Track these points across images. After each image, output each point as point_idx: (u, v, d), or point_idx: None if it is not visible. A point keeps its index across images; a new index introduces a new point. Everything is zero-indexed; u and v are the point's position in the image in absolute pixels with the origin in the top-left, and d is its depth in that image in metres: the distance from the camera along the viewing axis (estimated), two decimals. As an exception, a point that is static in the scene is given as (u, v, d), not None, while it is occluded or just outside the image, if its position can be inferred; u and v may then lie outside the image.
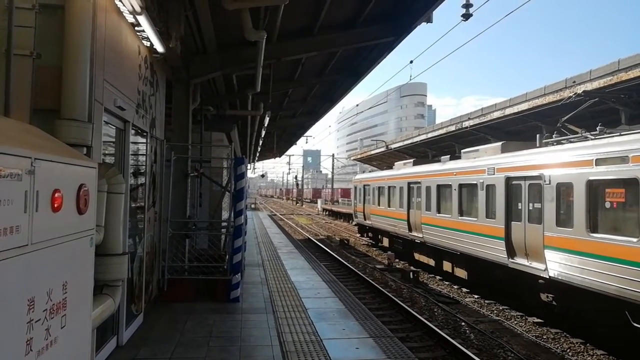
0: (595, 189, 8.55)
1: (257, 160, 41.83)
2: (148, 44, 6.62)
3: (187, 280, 8.43)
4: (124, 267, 4.37)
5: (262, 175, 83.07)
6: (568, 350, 8.71)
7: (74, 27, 3.97)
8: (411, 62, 15.79)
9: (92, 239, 3.41)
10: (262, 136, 20.52)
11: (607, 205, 8.31)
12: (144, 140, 6.92)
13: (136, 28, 6.02)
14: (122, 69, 5.45)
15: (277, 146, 30.59)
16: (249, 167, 28.98)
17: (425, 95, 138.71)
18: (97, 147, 4.40)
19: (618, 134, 8.82)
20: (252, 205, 59.06)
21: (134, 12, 5.10)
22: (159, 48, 6.50)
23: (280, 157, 45.01)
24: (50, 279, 2.66)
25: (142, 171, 6.87)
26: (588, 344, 8.92)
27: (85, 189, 3.14)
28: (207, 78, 10.08)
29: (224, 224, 10.10)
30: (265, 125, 15.90)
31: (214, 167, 10.94)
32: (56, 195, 2.68)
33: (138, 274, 6.49)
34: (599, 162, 8.43)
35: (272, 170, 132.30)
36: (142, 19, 5.33)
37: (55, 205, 2.68)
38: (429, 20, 9.02)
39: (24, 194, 2.34)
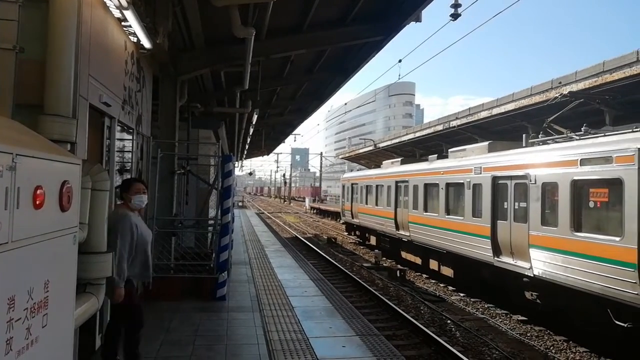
0: (579, 188, 8.66)
1: (245, 158, 41.65)
2: (135, 39, 6.53)
3: (173, 279, 8.37)
4: (107, 265, 4.30)
5: (250, 173, 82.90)
6: (551, 348, 8.83)
7: (59, 21, 3.90)
8: (400, 61, 15.83)
9: (75, 237, 3.35)
10: (250, 134, 20.42)
11: (591, 204, 8.42)
12: (129, 136, 6.84)
13: (123, 23, 5.95)
14: (108, 65, 5.38)
15: (265, 144, 30.51)
16: (236, 165, 28.90)
17: (414, 95, 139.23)
18: (81, 143, 4.34)
19: (602, 134, 8.94)
20: (240, 204, 58.81)
21: (120, 7, 5.02)
22: (146, 44, 6.42)
23: (268, 155, 44.99)
24: (31, 277, 2.60)
25: (127, 168, 6.80)
26: (571, 342, 9.05)
27: (69, 185, 3.08)
28: (194, 75, 10.01)
29: (211, 221, 10.04)
30: (254, 122, 15.83)
31: (201, 164, 10.88)
32: (38, 192, 2.62)
33: (123, 272, 6.40)
34: (583, 162, 8.54)
35: (260, 168, 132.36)
36: (129, 14, 5.25)
37: (37, 202, 2.62)
38: (418, 19, 9.04)
39: (5, 191, 2.28)
